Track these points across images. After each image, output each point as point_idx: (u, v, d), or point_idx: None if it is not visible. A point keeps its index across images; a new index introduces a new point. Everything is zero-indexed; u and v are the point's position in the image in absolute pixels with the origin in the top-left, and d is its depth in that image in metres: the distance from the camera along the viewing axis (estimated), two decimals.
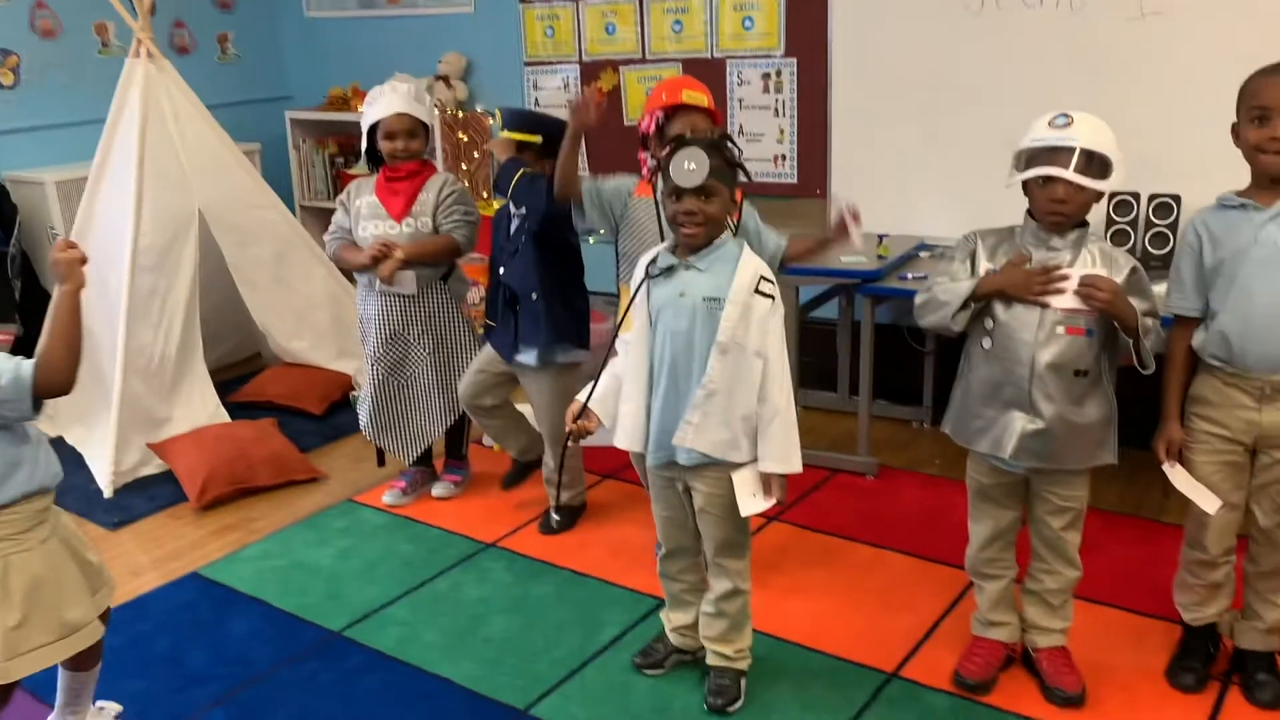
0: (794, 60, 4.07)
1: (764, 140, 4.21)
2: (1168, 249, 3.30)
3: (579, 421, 2.35)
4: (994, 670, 2.50)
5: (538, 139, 3.13)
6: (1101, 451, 2.31)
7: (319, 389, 4.40)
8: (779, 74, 4.13)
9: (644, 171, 2.87)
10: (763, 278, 2.22)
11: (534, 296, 3.11)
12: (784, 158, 4.19)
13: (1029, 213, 2.26)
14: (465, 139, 4.85)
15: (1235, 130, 2.19)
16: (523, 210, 3.11)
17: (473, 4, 4.93)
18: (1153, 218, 3.39)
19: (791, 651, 2.66)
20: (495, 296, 3.24)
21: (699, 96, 2.79)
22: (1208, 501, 2.25)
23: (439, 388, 3.42)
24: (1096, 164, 2.11)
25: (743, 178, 2.30)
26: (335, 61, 5.44)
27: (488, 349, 3.29)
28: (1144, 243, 3.39)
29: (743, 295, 2.20)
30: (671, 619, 2.60)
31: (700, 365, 2.22)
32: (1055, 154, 2.12)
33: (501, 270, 3.20)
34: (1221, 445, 2.26)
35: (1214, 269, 2.23)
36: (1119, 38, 3.43)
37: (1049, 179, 2.13)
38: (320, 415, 4.31)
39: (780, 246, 2.82)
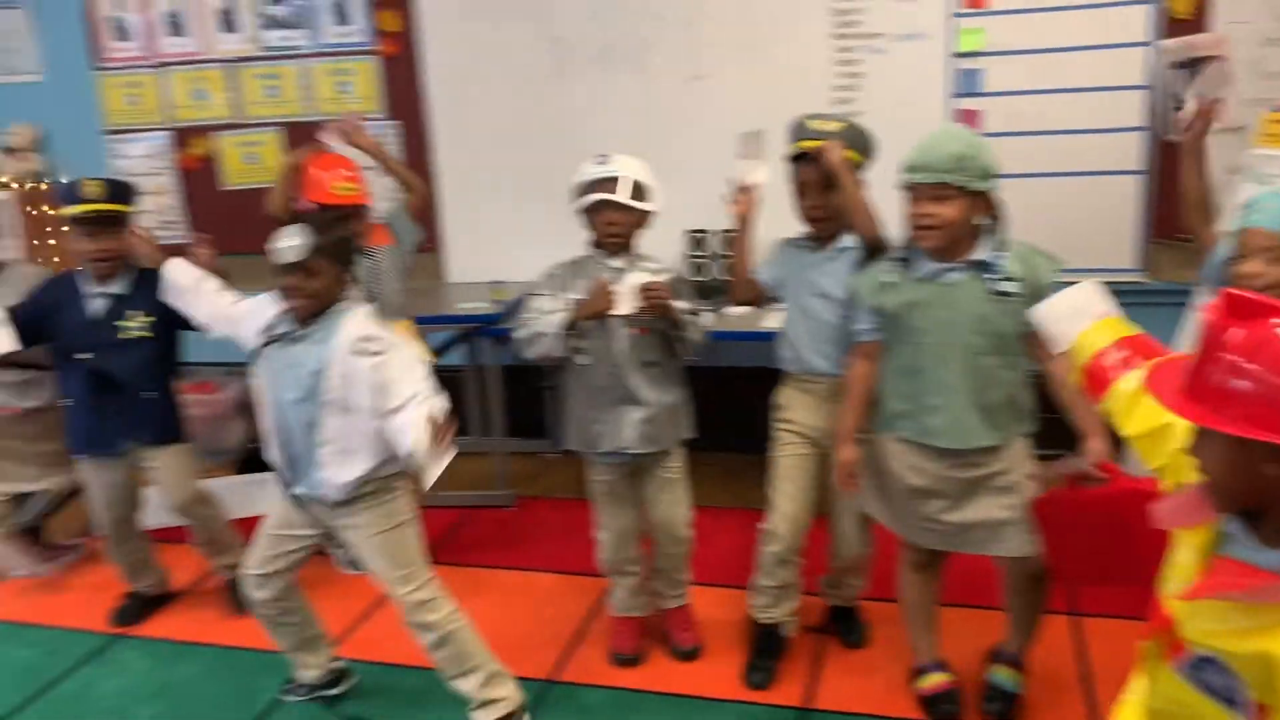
0: (398, 122, 4.24)
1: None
2: None
3: None
4: (641, 642, 2.84)
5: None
6: (685, 427, 2.74)
7: None
8: (384, 136, 4.27)
9: None
10: (360, 337, 2.33)
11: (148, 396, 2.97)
12: None
13: (594, 243, 2.64)
14: (51, 212, 4.50)
15: None
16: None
17: (41, 72, 4.62)
18: (722, 251, 3.92)
19: None
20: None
21: (349, 189, 3.08)
22: None
23: None
24: (637, 190, 2.55)
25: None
26: None
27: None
28: (717, 273, 3.91)
29: (342, 356, 2.31)
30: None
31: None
32: (604, 183, 2.54)
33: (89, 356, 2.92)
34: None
35: (780, 286, 2.66)
36: (679, 96, 3.95)
37: (603, 205, 2.54)
38: None
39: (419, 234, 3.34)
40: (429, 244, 4.29)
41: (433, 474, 2.20)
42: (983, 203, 2.17)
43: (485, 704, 2.50)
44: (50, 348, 2.96)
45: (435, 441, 2.15)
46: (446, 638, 2.46)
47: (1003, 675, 2.50)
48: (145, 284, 2.89)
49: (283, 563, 2.52)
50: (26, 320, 2.83)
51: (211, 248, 2.92)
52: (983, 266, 2.18)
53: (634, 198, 2.56)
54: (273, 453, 2.44)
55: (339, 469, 2.35)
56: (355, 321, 2.36)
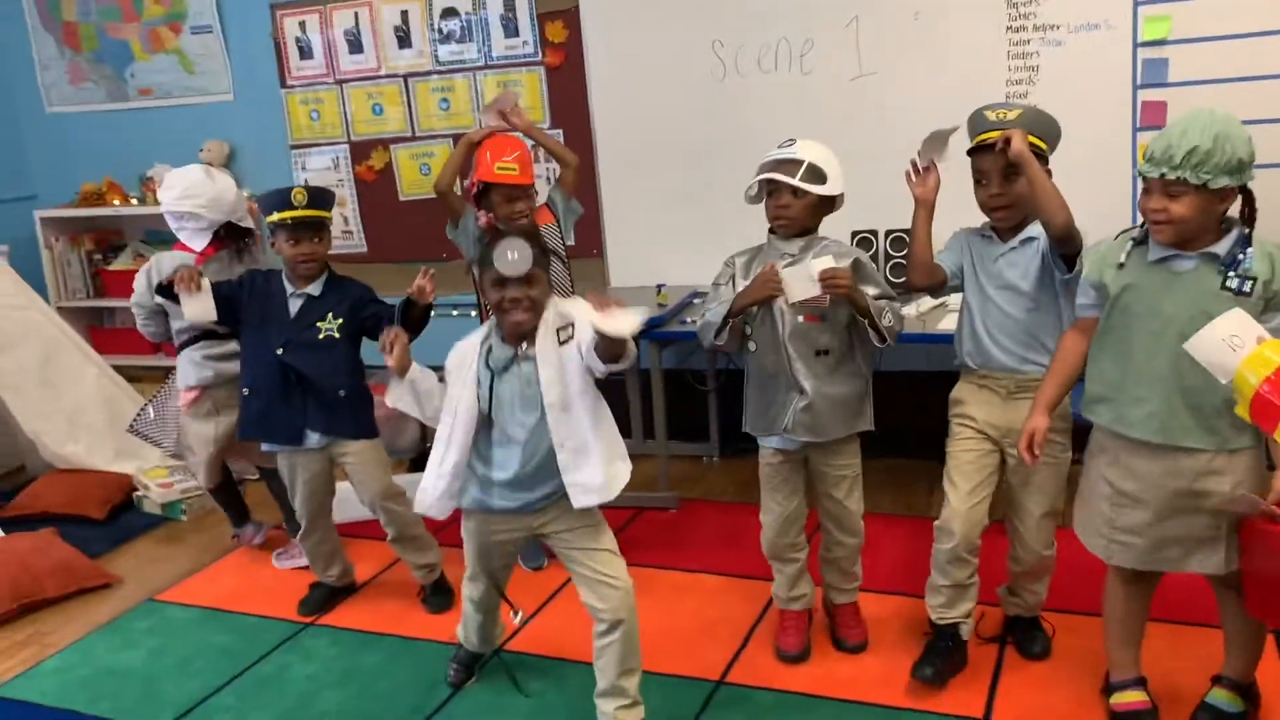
0: (560, 131, 4.33)
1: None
2: (904, 279, 3.75)
3: None
4: (806, 636, 2.83)
5: None
6: (859, 420, 2.67)
7: (98, 493, 4.18)
8: None
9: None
10: (558, 327, 2.37)
11: (341, 393, 3.08)
12: None
13: (770, 228, 2.63)
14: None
15: None
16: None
17: (232, 92, 4.93)
18: (890, 250, 3.85)
19: None
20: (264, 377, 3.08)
21: (509, 168, 3.09)
22: None
23: None
24: (810, 173, 2.51)
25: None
26: (84, 157, 5.24)
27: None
28: (886, 274, 3.83)
29: (553, 355, 2.36)
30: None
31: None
32: (778, 165, 2.53)
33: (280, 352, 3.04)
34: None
35: (968, 277, 2.61)
36: (843, 95, 3.91)
37: (774, 189, 2.53)
38: (103, 520, 4.10)
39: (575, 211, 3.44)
40: (595, 250, 4.38)
41: (620, 326, 2.12)
42: (1230, 195, 2.01)
43: (633, 705, 2.50)
44: (245, 337, 3.15)
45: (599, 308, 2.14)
46: (635, 630, 2.47)
47: (1220, 696, 2.34)
48: (337, 287, 3.11)
49: (493, 592, 2.66)
50: (225, 300, 3.03)
51: (431, 281, 2.94)
52: (1219, 259, 2.04)
53: (810, 181, 2.51)
54: (490, 473, 2.42)
55: (578, 471, 2.35)
56: (550, 315, 2.39)
